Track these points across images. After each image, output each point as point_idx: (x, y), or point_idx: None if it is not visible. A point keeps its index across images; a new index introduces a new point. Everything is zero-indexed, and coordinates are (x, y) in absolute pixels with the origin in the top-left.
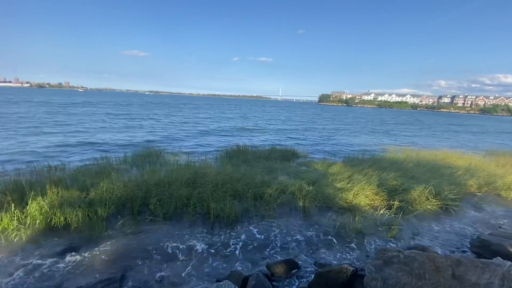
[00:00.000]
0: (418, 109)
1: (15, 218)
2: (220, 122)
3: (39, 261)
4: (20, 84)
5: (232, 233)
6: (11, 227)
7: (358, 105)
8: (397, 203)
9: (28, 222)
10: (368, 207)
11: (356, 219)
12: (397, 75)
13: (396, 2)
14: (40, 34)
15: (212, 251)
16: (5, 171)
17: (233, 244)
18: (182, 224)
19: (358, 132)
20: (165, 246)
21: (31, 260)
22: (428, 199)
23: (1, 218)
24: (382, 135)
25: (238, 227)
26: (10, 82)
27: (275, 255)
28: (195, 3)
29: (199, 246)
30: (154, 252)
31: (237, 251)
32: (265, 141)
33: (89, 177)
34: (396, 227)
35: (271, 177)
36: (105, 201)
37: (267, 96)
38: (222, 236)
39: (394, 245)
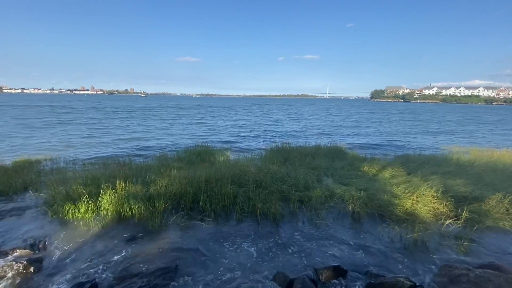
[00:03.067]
0: (494, 103)
1: (91, 209)
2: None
3: (108, 247)
4: (95, 92)
5: (277, 235)
6: (89, 216)
7: (418, 101)
8: (467, 213)
9: (101, 213)
10: (429, 216)
11: (415, 229)
12: (465, 65)
13: None
14: (109, 46)
15: (258, 251)
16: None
17: (278, 246)
18: (230, 222)
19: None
20: (213, 243)
21: (101, 245)
22: (508, 210)
23: (79, 208)
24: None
25: (284, 229)
26: (88, 90)
27: (321, 261)
28: (240, 7)
29: (246, 246)
30: (204, 248)
31: (282, 254)
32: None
33: (152, 173)
34: (466, 242)
35: (316, 178)
36: (163, 196)
37: (314, 95)
38: (269, 238)
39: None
